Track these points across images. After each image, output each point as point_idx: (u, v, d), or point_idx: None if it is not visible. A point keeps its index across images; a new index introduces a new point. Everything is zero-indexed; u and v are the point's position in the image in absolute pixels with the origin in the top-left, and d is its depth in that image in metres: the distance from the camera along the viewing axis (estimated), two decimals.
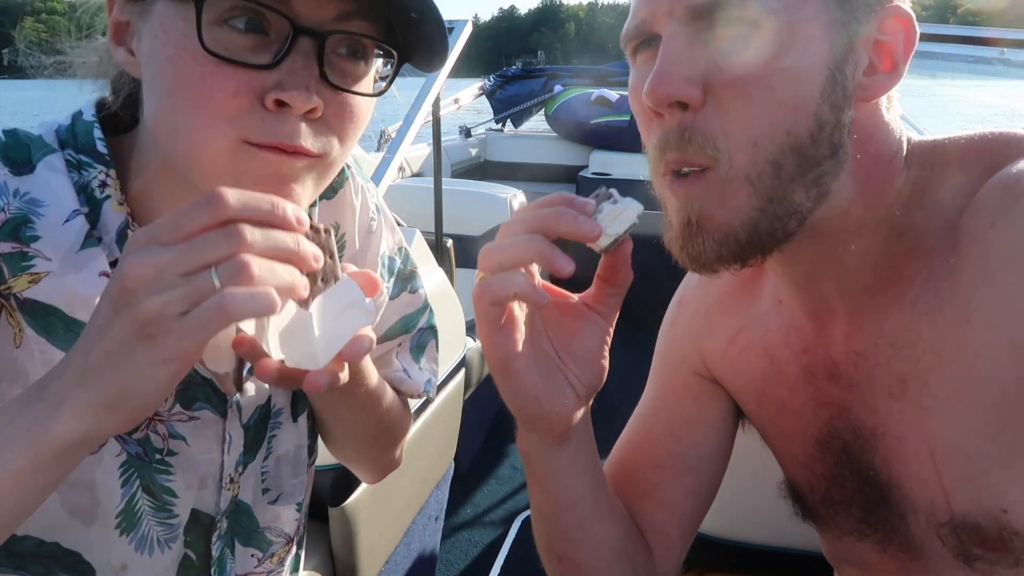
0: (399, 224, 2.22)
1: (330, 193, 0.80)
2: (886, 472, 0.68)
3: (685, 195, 0.61)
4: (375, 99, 0.64)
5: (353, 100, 0.61)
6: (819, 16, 0.58)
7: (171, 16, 0.57)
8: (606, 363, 0.67)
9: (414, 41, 0.63)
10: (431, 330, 0.92)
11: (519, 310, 0.64)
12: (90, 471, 0.64)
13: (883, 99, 0.63)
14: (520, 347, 0.63)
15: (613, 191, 0.59)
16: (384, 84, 0.65)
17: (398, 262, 0.87)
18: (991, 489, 0.61)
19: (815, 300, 0.70)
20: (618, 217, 0.58)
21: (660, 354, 0.91)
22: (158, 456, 0.68)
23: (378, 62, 0.64)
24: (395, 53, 0.63)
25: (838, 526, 0.75)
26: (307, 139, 0.58)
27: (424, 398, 0.92)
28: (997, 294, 0.57)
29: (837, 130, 0.59)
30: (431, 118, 2.51)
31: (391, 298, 0.87)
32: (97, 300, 0.60)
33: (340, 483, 1.38)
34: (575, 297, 0.67)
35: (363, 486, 1.42)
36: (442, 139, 2.69)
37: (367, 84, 0.62)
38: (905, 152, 0.65)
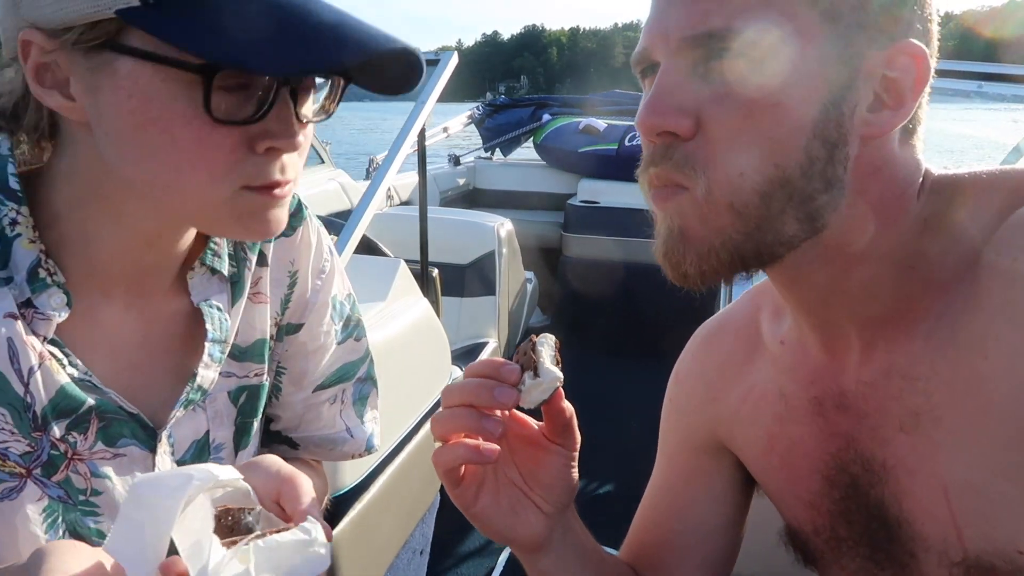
0: (385, 254, 2.22)
1: (288, 231, 0.81)
2: (896, 507, 0.67)
3: (664, 209, 0.62)
4: None
5: (310, 127, 0.65)
6: (817, 52, 0.57)
7: (148, 77, 0.57)
8: (575, 483, 0.72)
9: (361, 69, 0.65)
10: (371, 380, 0.92)
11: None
12: (9, 518, 0.61)
13: (895, 133, 0.62)
14: (479, 494, 0.70)
15: (542, 348, 0.65)
16: (333, 107, 0.67)
17: (347, 308, 0.88)
18: (1006, 529, 0.59)
19: (826, 326, 0.69)
20: (538, 388, 0.64)
21: (663, 433, 0.91)
22: (82, 497, 0.65)
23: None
24: (341, 80, 0.66)
25: (844, 567, 0.73)
26: (290, 172, 0.63)
27: (367, 455, 0.93)
28: (1017, 329, 0.57)
29: (830, 165, 0.59)
30: (417, 147, 2.51)
31: (337, 343, 0.87)
32: (3, 342, 0.60)
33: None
34: (536, 426, 0.72)
35: (345, 519, 1.40)
36: (432, 167, 2.70)
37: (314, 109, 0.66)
38: (921, 186, 0.64)
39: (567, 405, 0.69)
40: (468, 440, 0.66)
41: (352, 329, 0.89)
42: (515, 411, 0.71)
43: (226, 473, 0.57)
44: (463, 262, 3.23)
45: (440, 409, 0.67)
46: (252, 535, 0.54)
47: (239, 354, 0.78)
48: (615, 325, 4.33)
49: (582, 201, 4.89)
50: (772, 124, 0.58)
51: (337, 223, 1.85)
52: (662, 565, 0.87)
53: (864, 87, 0.59)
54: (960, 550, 0.62)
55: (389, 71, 0.64)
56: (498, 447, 0.65)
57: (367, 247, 2.16)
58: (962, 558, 0.62)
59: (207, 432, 0.75)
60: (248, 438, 0.80)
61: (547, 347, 0.66)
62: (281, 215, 0.65)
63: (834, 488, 0.72)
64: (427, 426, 1.82)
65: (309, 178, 4.18)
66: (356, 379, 0.91)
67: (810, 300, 0.69)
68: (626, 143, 5.16)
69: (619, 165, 5.07)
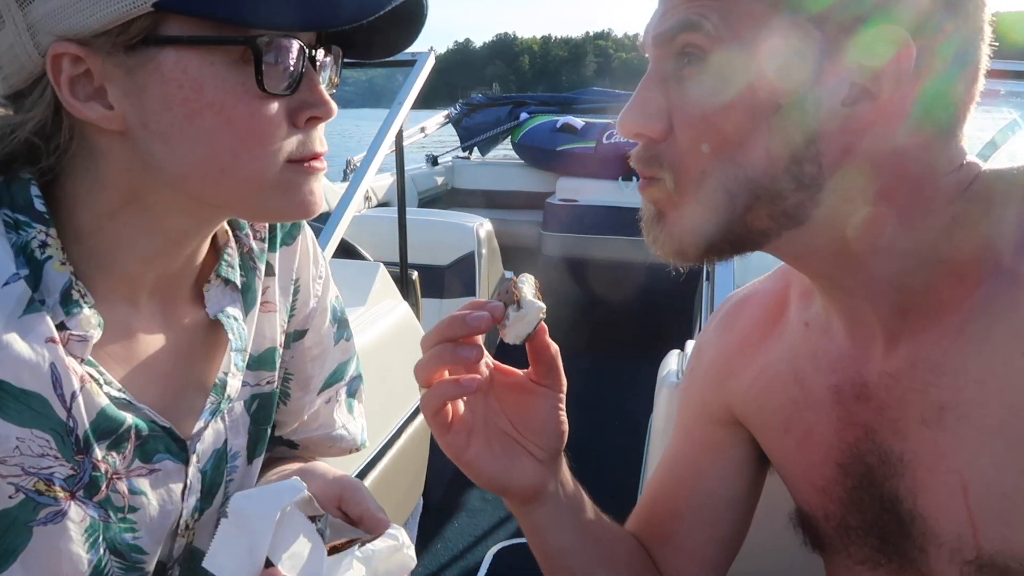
0: (363, 257, 2.20)
1: (289, 240, 0.82)
2: (910, 501, 0.66)
3: (645, 195, 0.65)
4: None
5: None
6: (775, 48, 0.57)
7: (196, 62, 0.58)
8: (564, 427, 0.73)
9: (355, 39, 0.68)
10: (360, 378, 0.95)
11: (465, 410, 0.72)
12: (54, 540, 0.61)
13: (898, 125, 0.59)
14: (470, 440, 0.71)
15: (523, 285, 0.67)
16: (337, 79, 0.69)
17: (339, 310, 0.90)
18: None
19: (850, 314, 0.69)
20: (522, 321, 0.65)
21: (681, 405, 0.92)
22: (120, 515, 0.65)
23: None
24: (341, 52, 0.68)
25: (851, 555, 0.73)
26: (325, 143, 0.66)
27: (358, 452, 0.95)
28: None
29: (796, 163, 0.59)
30: (395, 148, 2.49)
31: (333, 344, 0.89)
32: (47, 367, 0.59)
33: None
34: (521, 373, 0.73)
35: None
36: (409, 168, 2.68)
37: None
38: (958, 181, 0.62)
39: (551, 342, 0.70)
40: (448, 378, 0.67)
41: (343, 330, 0.91)
42: (499, 363, 0.73)
43: (303, 484, 0.62)
44: (443, 263, 3.22)
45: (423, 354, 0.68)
46: (357, 543, 0.59)
47: (252, 363, 0.79)
48: (595, 323, 4.34)
49: (561, 199, 4.89)
50: (729, 125, 0.59)
51: (315, 226, 1.83)
52: (669, 537, 0.87)
53: (835, 79, 0.58)
54: (974, 548, 0.62)
55: (402, 21, 0.65)
56: (479, 376, 0.66)
57: (345, 250, 2.14)
58: (975, 556, 0.62)
59: (225, 441, 0.75)
60: (262, 446, 0.81)
61: (528, 284, 0.67)
62: (320, 192, 0.67)
63: (848, 477, 0.71)
64: (409, 430, 1.80)
65: None
66: (349, 377, 0.92)
67: (828, 285, 0.69)
68: (604, 141, 5.17)
69: (597, 163, 5.08)
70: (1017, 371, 0.58)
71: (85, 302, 0.62)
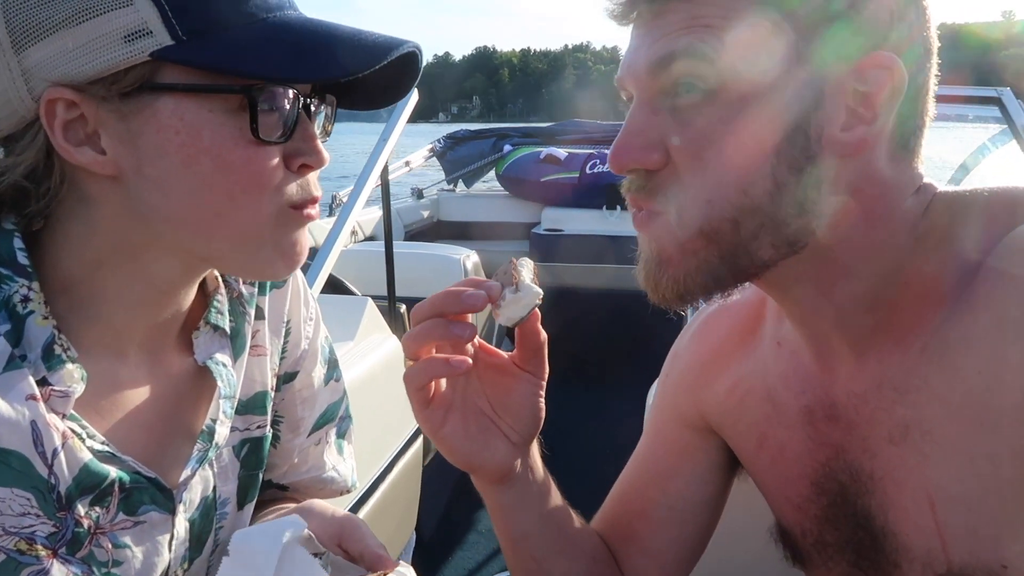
0: (351, 292, 2.21)
1: (280, 283, 0.82)
2: (882, 517, 0.67)
3: (644, 232, 0.64)
4: None
5: None
6: (775, 78, 0.58)
7: (193, 109, 0.58)
8: (542, 413, 0.74)
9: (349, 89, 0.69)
10: (349, 418, 0.95)
11: (447, 386, 0.72)
12: None
13: (881, 149, 0.61)
14: (447, 417, 0.71)
15: (522, 268, 0.66)
16: (331, 127, 0.70)
17: (327, 350, 0.90)
18: (991, 543, 0.60)
19: (817, 338, 0.70)
20: (517, 304, 0.64)
21: (654, 406, 0.93)
22: (104, 570, 0.64)
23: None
24: (335, 100, 0.69)
25: (830, 570, 0.74)
26: (320, 189, 0.67)
27: (349, 493, 0.94)
28: (1014, 346, 0.57)
29: (800, 189, 0.60)
30: (381, 183, 2.51)
31: (324, 385, 0.89)
32: (27, 425, 0.58)
33: None
34: (505, 355, 0.73)
35: None
36: (395, 201, 2.69)
37: None
38: (918, 202, 0.64)
39: (541, 329, 0.70)
40: (438, 355, 0.67)
41: (332, 370, 0.90)
42: (484, 342, 0.73)
43: (303, 521, 0.62)
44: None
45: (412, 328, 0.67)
46: None
47: (241, 407, 0.78)
48: (583, 353, 4.33)
49: (546, 229, 4.92)
50: (735, 153, 0.59)
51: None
52: (634, 536, 0.87)
53: (833, 106, 0.59)
54: (944, 562, 0.63)
55: (397, 70, 0.66)
56: (468, 359, 0.66)
57: (332, 285, 2.14)
58: (946, 570, 0.63)
59: (214, 488, 0.74)
60: (254, 491, 0.80)
61: (527, 268, 0.66)
62: (307, 243, 0.67)
63: (822, 495, 0.72)
64: (400, 465, 1.79)
65: None
66: (339, 418, 0.92)
67: (799, 311, 0.70)
68: (587, 171, 5.22)
69: (581, 192, 5.13)
70: (974, 388, 0.59)
71: (68, 356, 0.61)
